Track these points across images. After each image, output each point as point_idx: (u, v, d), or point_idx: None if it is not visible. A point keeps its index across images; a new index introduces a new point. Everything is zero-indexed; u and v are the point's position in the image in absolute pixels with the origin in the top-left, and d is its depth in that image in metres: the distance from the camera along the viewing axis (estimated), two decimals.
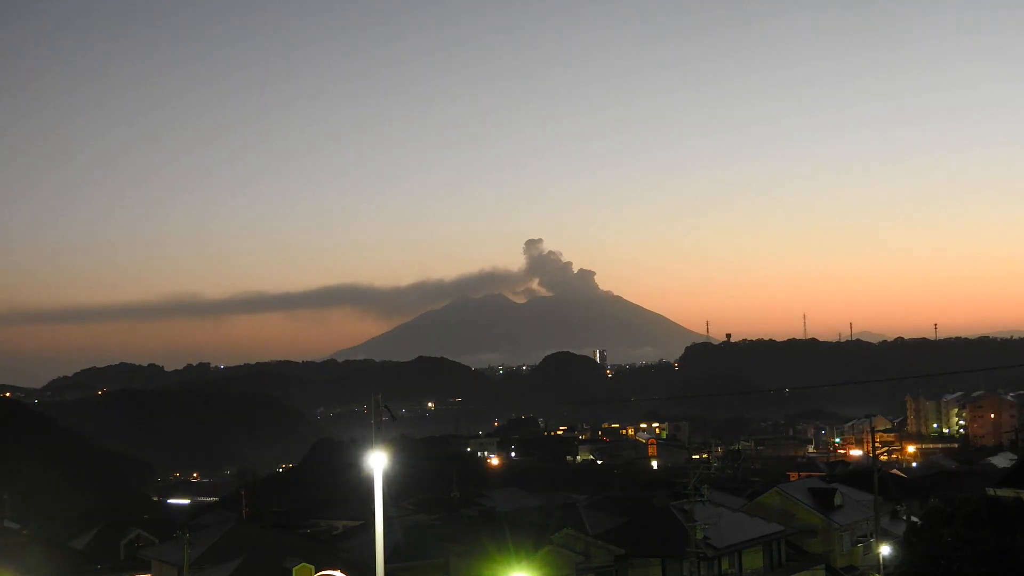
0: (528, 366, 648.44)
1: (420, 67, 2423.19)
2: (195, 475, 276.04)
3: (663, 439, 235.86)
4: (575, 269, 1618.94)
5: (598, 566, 53.18)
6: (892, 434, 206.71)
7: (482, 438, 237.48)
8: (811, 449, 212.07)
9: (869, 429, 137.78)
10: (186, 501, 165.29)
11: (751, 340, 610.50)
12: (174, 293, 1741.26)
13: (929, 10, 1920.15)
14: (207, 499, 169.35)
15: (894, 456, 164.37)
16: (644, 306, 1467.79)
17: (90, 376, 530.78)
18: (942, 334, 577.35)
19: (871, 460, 72.84)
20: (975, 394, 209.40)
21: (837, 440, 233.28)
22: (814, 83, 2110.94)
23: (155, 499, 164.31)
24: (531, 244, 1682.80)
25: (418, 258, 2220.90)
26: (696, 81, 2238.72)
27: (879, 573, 62.74)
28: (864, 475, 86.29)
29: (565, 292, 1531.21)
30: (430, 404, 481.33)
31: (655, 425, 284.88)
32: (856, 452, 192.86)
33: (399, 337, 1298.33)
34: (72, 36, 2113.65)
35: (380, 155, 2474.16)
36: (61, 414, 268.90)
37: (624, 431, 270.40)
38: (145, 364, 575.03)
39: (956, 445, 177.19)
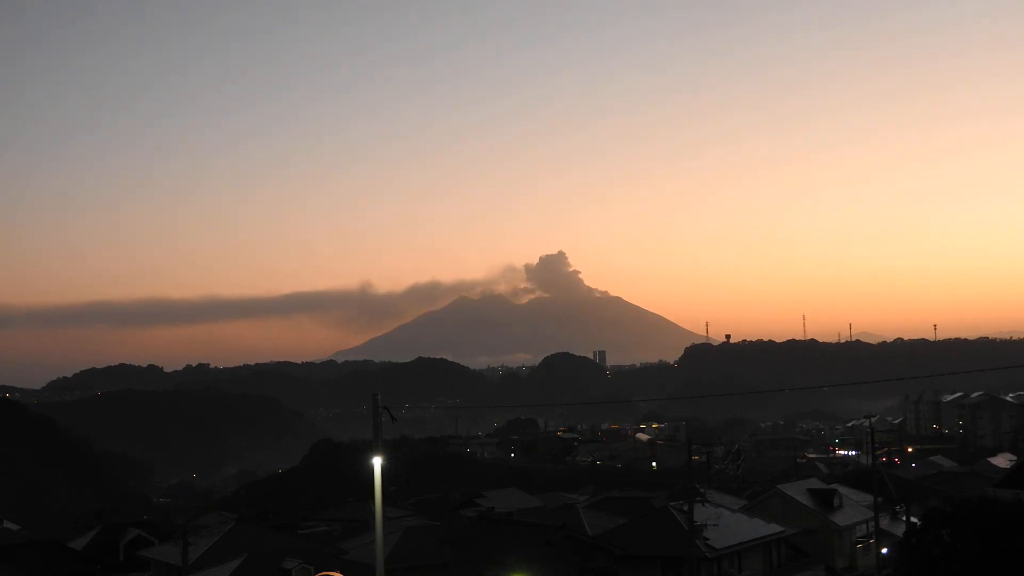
0: (528, 367, 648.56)
1: (420, 73, 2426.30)
2: (194, 476, 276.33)
3: (663, 440, 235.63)
4: (575, 270, 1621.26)
5: (597, 567, 53.13)
6: (891, 434, 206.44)
7: (482, 439, 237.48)
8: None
9: (868, 429, 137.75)
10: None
11: (751, 341, 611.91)
12: (174, 294, 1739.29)
13: (934, 9, 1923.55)
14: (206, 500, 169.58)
15: (896, 460, 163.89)
16: (644, 307, 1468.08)
17: (89, 377, 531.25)
18: (942, 335, 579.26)
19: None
20: (974, 395, 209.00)
21: (837, 441, 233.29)
22: (815, 85, 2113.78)
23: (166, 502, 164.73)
24: (530, 245, 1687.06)
25: (418, 259, 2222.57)
26: (697, 83, 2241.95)
27: (879, 574, 62.75)
28: (863, 476, 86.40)
29: (564, 293, 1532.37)
30: (430, 405, 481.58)
31: (655, 426, 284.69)
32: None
33: (399, 338, 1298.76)
34: (69, 37, 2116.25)
35: (380, 158, 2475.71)
36: (60, 415, 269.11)
37: (624, 432, 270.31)
38: (144, 365, 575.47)
39: (955, 446, 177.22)
